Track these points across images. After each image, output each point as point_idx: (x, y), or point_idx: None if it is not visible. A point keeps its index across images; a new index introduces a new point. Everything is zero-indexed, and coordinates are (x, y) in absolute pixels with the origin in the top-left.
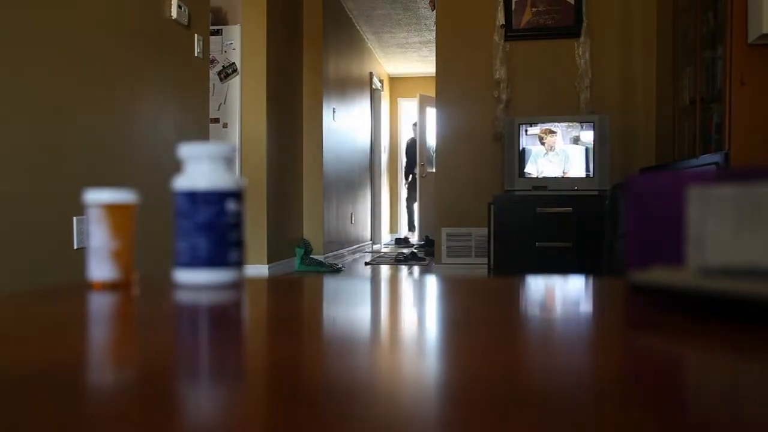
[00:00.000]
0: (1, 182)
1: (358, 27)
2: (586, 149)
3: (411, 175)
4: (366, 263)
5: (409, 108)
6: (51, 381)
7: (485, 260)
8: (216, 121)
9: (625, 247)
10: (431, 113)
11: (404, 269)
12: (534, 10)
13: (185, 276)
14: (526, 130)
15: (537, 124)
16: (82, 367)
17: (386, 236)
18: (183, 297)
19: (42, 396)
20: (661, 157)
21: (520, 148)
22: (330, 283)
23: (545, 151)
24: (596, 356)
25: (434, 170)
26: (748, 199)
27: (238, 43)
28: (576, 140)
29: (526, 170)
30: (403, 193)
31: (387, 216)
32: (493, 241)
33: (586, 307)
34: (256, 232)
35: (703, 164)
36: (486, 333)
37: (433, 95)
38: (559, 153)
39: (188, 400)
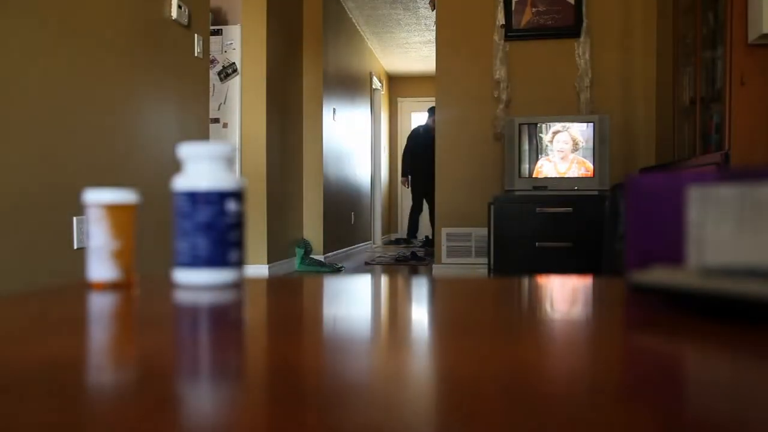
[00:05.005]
0: (2, 182)
1: (358, 27)
2: (586, 149)
3: (411, 175)
4: (366, 263)
5: (408, 108)
6: (51, 381)
7: (485, 260)
8: (216, 121)
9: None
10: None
11: (404, 269)
12: (534, 10)
13: (185, 276)
14: (527, 130)
15: (537, 124)
16: (82, 367)
17: (385, 236)
18: (183, 297)
19: (42, 396)
20: (661, 157)
21: (520, 148)
22: (330, 283)
23: (545, 151)
24: (596, 356)
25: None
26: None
27: (238, 43)
28: (576, 140)
29: (526, 170)
30: (406, 193)
31: (387, 216)
32: (493, 241)
33: (585, 307)
34: (256, 232)
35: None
36: (486, 333)
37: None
38: (559, 153)
39: (188, 400)
